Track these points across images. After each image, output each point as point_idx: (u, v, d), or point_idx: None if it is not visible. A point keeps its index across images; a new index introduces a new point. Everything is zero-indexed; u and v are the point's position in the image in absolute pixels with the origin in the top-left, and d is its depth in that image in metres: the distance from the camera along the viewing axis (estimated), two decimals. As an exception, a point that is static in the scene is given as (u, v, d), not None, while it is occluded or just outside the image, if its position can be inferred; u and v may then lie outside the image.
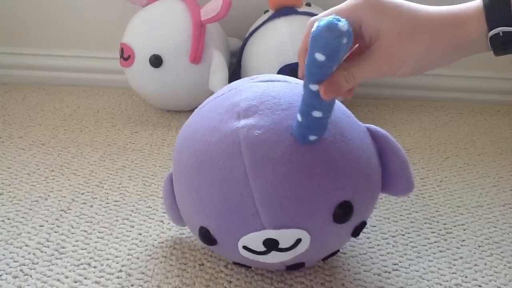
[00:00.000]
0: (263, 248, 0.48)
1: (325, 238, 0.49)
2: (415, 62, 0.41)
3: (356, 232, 0.52)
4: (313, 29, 0.38)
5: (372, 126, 0.54)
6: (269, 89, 0.51)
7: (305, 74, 0.42)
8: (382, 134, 0.53)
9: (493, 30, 0.38)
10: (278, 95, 0.50)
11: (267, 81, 0.54)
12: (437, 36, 0.40)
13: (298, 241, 0.47)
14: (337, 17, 0.38)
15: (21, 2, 1.08)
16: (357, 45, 0.44)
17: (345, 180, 0.47)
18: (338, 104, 0.52)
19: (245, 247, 0.48)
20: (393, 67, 0.42)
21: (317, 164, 0.46)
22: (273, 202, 0.45)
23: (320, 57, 0.39)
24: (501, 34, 0.38)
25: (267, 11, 0.98)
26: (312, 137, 0.46)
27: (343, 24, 0.37)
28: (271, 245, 0.47)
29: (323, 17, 0.39)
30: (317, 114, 0.44)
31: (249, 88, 0.52)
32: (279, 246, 0.47)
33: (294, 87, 0.52)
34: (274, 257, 0.49)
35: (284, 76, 0.56)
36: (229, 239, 0.49)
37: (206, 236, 0.50)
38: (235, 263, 0.57)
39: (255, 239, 0.47)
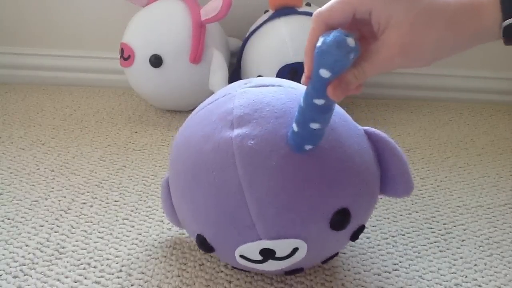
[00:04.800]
0: (259, 257, 0.48)
1: (322, 245, 0.49)
2: (430, 52, 0.39)
3: (354, 236, 0.51)
4: (318, 45, 0.36)
5: (370, 129, 0.53)
6: (262, 95, 0.49)
7: (307, 88, 0.41)
8: (380, 137, 0.52)
9: (507, 20, 0.38)
10: (271, 101, 0.48)
11: (260, 86, 0.52)
12: (453, 23, 0.39)
13: (295, 250, 0.47)
14: (343, 31, 0.36)
15: (21, 2, 1.08)
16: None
17: (342, 187, 0.46)
18: (335, 108, 0.50)
19: (242, 256, 0.48)
20: (407, 59, 0.39)
21: (312, 173, 0.45)
22: (268, 214, 0.45)
23: (325, 73, 0.37)
24: None
25: (267, 11, 0.98)
26: (308, 147, 0.45)
27: (351, 39, 0.36)
28: (267, 254, 0.47)
29: (327, 32, 0.37)
30: (315, 126, 0.43)
31: (242, 94, 0.51)
32: (276, 255, 0.47)
33: (288, 92, 0.51)
34: (271, 265, 0.49)
35: (278, 79, 0.55)
36: (225, 248, 0.49)
37: (203, 244, 0.50)
38: (234, 267, 0.57)
39: (251, 249, 0.47)
